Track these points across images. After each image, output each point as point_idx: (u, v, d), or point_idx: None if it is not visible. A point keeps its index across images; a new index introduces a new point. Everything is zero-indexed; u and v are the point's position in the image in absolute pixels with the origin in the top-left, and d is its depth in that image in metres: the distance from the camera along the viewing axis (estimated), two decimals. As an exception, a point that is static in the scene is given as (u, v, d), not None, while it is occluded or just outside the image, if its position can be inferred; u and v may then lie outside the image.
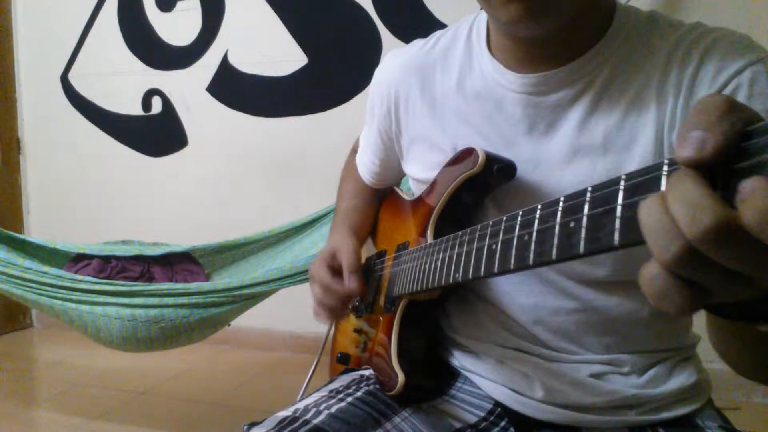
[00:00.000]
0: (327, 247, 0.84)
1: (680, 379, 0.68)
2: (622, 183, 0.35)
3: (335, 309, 0.78)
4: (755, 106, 0.56)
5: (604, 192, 0.36)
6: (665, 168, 0.32)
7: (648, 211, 0.30)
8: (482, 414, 0.71)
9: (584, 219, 0.38)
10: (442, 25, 2.10)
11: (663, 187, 0.31)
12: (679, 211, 0.28)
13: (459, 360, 0.76)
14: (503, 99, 0.68)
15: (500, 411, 0.72)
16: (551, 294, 0.67)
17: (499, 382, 0.71)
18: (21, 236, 1.77)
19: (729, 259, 0.27)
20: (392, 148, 0.83)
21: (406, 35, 2.19)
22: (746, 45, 0.59)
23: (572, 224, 0.39)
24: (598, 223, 0.36)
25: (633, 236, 0.33)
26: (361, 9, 2.25)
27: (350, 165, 0.98)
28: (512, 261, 0.45)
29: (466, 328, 0.75)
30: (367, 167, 0.90)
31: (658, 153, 0.61)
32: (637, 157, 0.61)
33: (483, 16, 0.73)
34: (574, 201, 0.39)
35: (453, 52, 0.74)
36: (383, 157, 0.86)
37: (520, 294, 0.69)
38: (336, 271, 0.79)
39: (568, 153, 0.64)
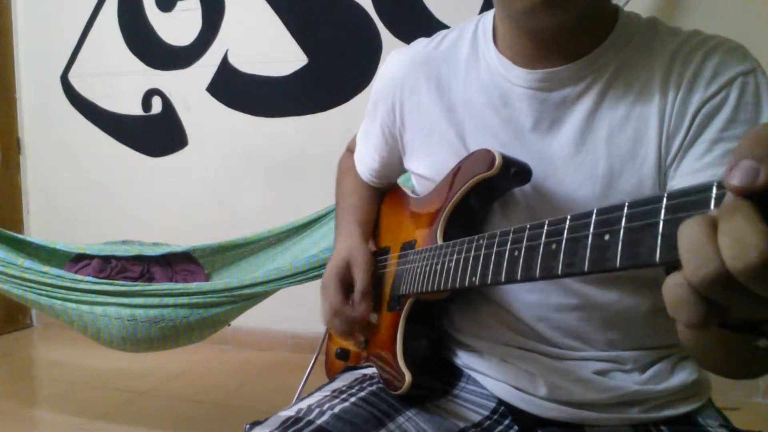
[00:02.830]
0: (339, 251, 0.84)
1: (682, 377, 0.68)
2: (665, 201, 0.35)
3: (345, 331, 0.80)
4: (741, 114, 0.59)
5: (645, 208, 0.36)
6: (714, 191, 0.32)
7: (689, 230, 0.30)
8: (486, 413, 0.72)
9: (621, 233, 0.37)
10: (442, 26, 2.10)
11: (712, 209, 0.31)
12: (725, 243, 0.28)
13: (462, 359, 0.76)
14: (509, 94, 0.69)
15: (504, 409, 0.72)
16: (553, 291, 0.68)
17: (502, 380, 0.71)
18: (21, 236, 1.76)
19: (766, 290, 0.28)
20: (395, 145, 0.83)
21: (406, 35, 2.19)
22: (741, 54, 0.62)
23: (607, 237, 0.39)
24: (637, 239, 0.36)
25: (675, 254, 0.32)
26: (361, 9, 2.25)
27: (347, 163, 0.98)
28: (537, 269, 0.45)
29: (469, 327, 0.75)
30: (366, 164, 0.90)
31: (660, 155, 0.62)
32: (639, 159, 0.63)
33: (489, 15, 0.74)
34: (610, 214, 0.39)
35: (459, 49, 0.75)
36: (384, 155, 0.86)
37: (522, 292, 0.69)
38: (349, 285, 0.81)
39: (571, 150, 0.65)
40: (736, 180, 0.28)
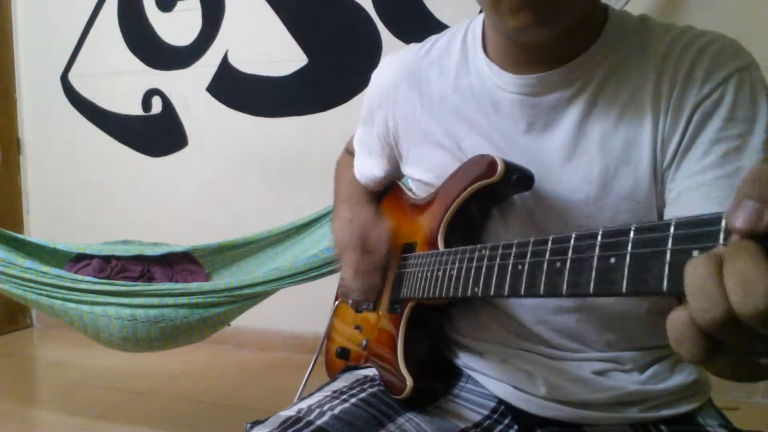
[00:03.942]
0: (342, 213, 0.84)
1: (681, 377, 0.68)
2: (672, 230, 0.34)
3: (368, 288, 0.78)
4: (739, 112, 0.58)
5: (652, 235, 0.36)
6: (723, 223, 0.32)
7: (696, 271, 0.30)
8: (486, 412, 0.72)
9: (627, 258, 0.37)
10: (442, 26, 2.10)
11: (721, 242, 0.32)
12: (733, 284, 0.28)
13: (462, 359, 0.76)
14: (500, 99, 0.69)
15: (503, 409, 0.72)
16: None
17: (502, 379, 0.71)
18: (21, 236, 1.77)
19: None
20: (391, 152, 0.83)
21: (406, 35, 2.19)
22: (734, 51, 0.61)
23: (613, 260, 0.38)
24: (645, 265, 0.36)
25: (682, 286, 0.32)
26: (361, 9, 2.25)
27: (344, 164, 0.98)
28: (542, 286, 0.45)
29: (468, 329, 0.75)
30: (366, 174, 0.90)
31: (655, 158, 0.62)
32: (633, 161, 0.62)
33: (478, 20, 0.74)
34: (616, 238, 0.38)
35: (449, 55, 0.75)
36: (383, 162, 0.86)
37: (522, 294, 0.69)
38: (367, 247, 0.79)
39: (565, 153, 0.65)
40: (739, 222, 0.28)
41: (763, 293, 0.27)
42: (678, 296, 0.33)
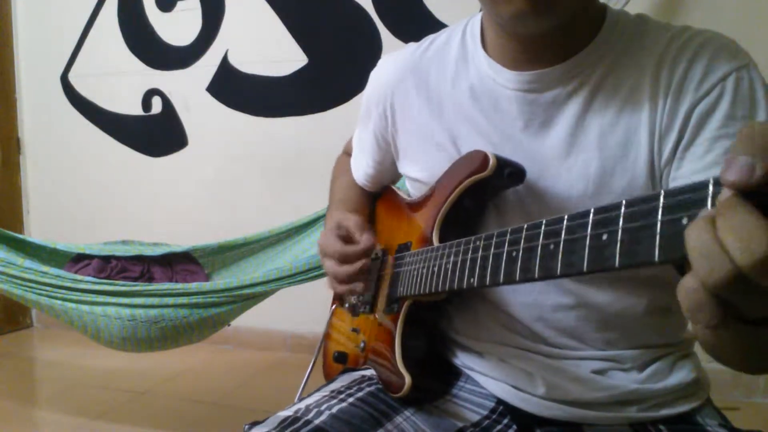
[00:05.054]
0: (329, 223, 0.83)
1: (680, 375, 0.68)
2: (662, 199, 0.35)
3: (352, 275, 0.77)
4: (739, 110, 0.58)
5: (642, 207, 0.36)
6: (710, 188, 0.32)
7: (695, 234, 0.30)
8: (485, 412, 0.72)
9: (619, 233, 0.38)
10: (441, 25, 2.10)
11: (709, 207, 0.32)
12: (730, 239, 0.28)
13: (461, 359, 0.76)
14: (499, 96, 0.69)
15: (502, 409, 0.72)
16: (550, 291, 0.68)
17: (500, 379, 0.71)
18: (21, 236, 1.77)
19: None
20: (388, 150, 0.83)
21: (406, 35, 2.19)
22: (732, 50, 0.61)
23: (605, 237, 0.39)
24: (636, 238, 0.36)
25: (674, 253, 0.33)
26: (361, 9, 2.25)
27: (342, 164, 0.98)
28: (536, 270, 0.45)
29: (467, 329, 0.75)
30: (361, 170, 0.90)
31: (652, 154, 0.62)
32: (631, 157, 0.63)
33: (477, 18, 0.74)
34: (607, 214, 0.39)
35: (448, 52, 0.75)
36: (378, 159, 0.87)
37: (519, 292, 0.69)
38: (345, 239, 0.79)
39: (563, 150, 0.65)
40: (732, 176, 0.28)
41: (759, 242, 0.27)
42: (675, 264, 0.34)
